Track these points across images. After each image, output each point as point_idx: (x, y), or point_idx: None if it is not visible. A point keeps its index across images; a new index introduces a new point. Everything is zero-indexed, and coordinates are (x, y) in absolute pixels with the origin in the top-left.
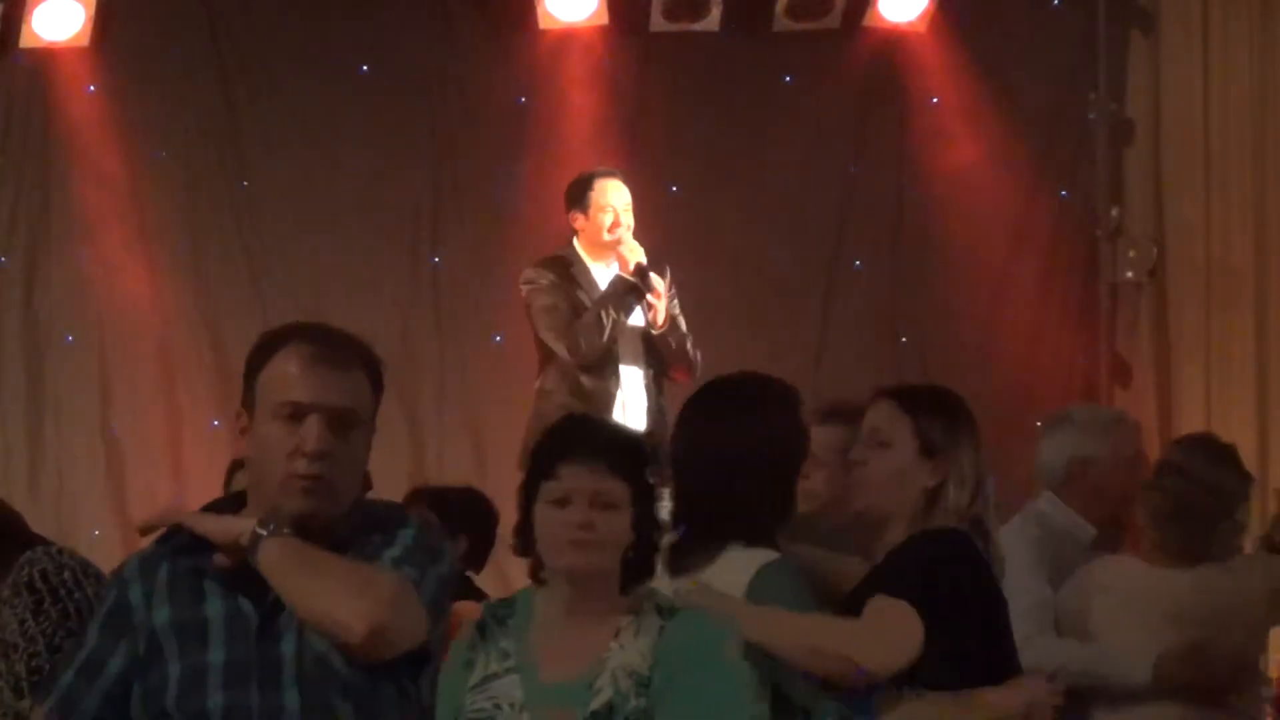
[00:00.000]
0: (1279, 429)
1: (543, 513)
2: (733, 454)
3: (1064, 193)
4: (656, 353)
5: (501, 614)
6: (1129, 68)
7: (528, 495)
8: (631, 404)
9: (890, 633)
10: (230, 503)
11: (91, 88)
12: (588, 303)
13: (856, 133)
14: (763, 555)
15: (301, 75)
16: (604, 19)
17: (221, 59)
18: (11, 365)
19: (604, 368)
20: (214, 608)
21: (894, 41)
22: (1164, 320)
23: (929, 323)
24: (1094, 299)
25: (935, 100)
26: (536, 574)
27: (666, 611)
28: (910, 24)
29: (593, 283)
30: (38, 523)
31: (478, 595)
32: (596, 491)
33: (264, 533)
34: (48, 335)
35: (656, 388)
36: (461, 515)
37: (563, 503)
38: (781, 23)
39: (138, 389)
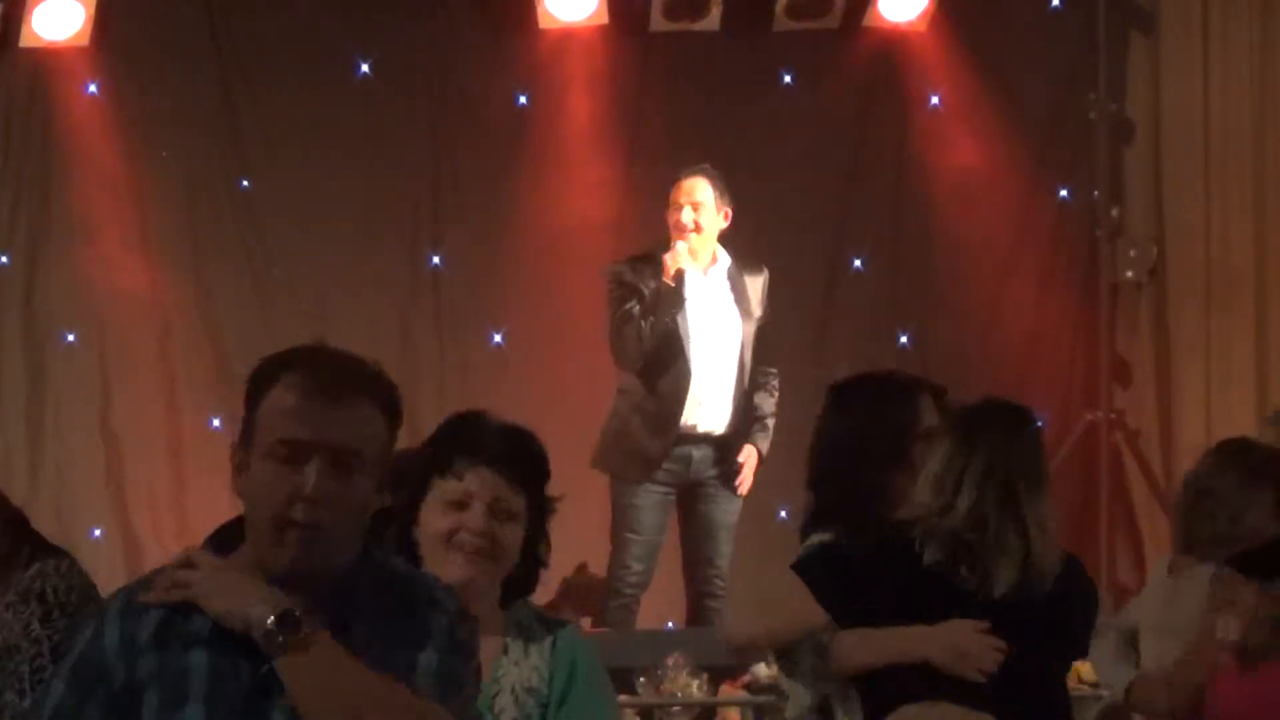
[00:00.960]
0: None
1: (434, 513)
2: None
3: (1064, 193)
4: (752, 357)
5: None
6: (1129, 68)
7: (412, 489)
8: (710, 403)
9: (763, 611)
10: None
11: (91, 87)
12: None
13: (856, 133)
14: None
15: (301, 75)
16: (604, 19)
17: (221, 59)
18: (11, 365)
19: (673, 370)
20: (199, 660)
21: (894, 41)
22: (1164, 320)
23: (929, 322)
24: (1094, 299)
25: (935, 100)
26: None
27: (552, 625)
28: (910, 24)
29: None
30: (38, 522)
31: None
32: (499, 499)
33: (281, 635)
34: (48, 335)
35: (744, 390)
36: None
37: (461, 505)
38: (781, 22)
39: (138, 389)
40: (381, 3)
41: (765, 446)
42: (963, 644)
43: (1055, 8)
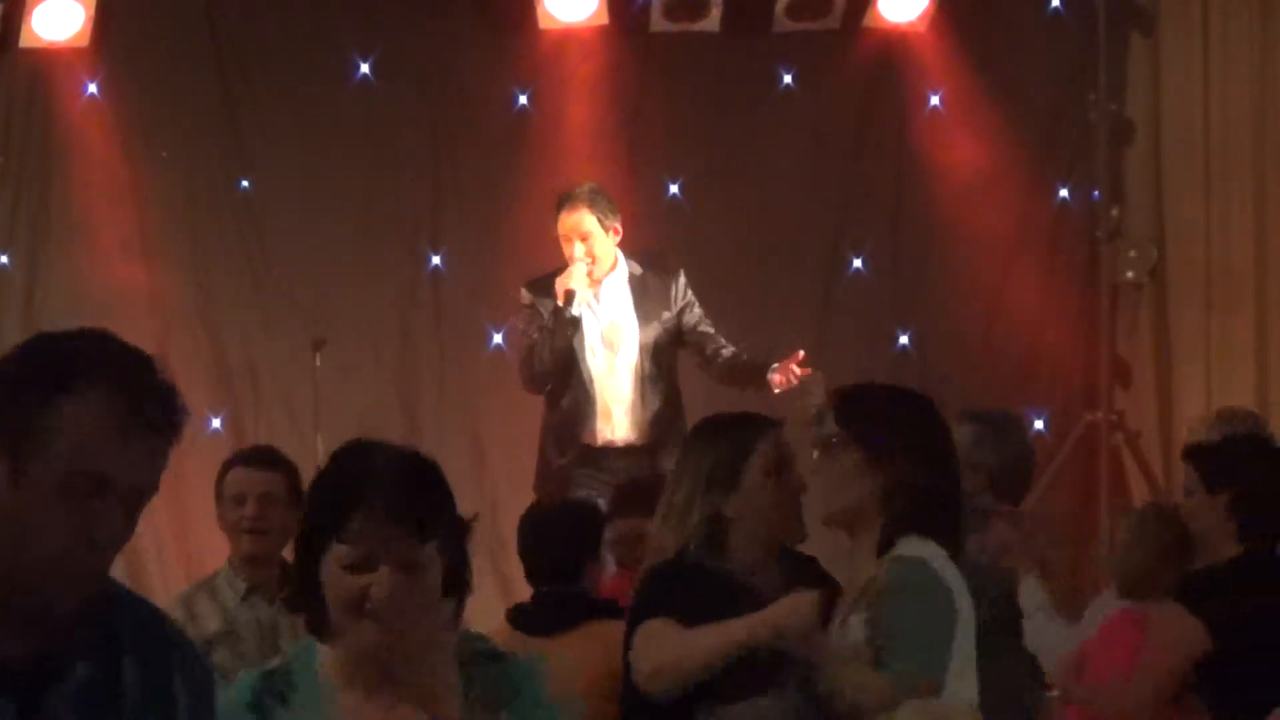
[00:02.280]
0: (1278, 429)
1: (336, 577)
2: None
3: (1064, 193)
4: (662, 358)
5: (280, 688)
6: (1129, 68)
7: (309, 543)
8: (614, 414)
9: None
10: None
11: (91, 88)
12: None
13: (856, 133)
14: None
15: (301, 75)
16: (604, 19)
17: (221, 59)
18: None
19: (571, 385)
20: None
21: (894, 41)
22: (1164, 321)
23: (929, 323)
24: (1094, 299)
25: (935, 100)
26: (321, 629)
27: (495, 657)
28: (910, 24)
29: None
30: None
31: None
32: (404, 553)
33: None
34: None
35: (650, 392)
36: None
37: (359, 569)
38: (781, 23)
39: None
40: (381, 3)
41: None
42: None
43: (1055, 8)
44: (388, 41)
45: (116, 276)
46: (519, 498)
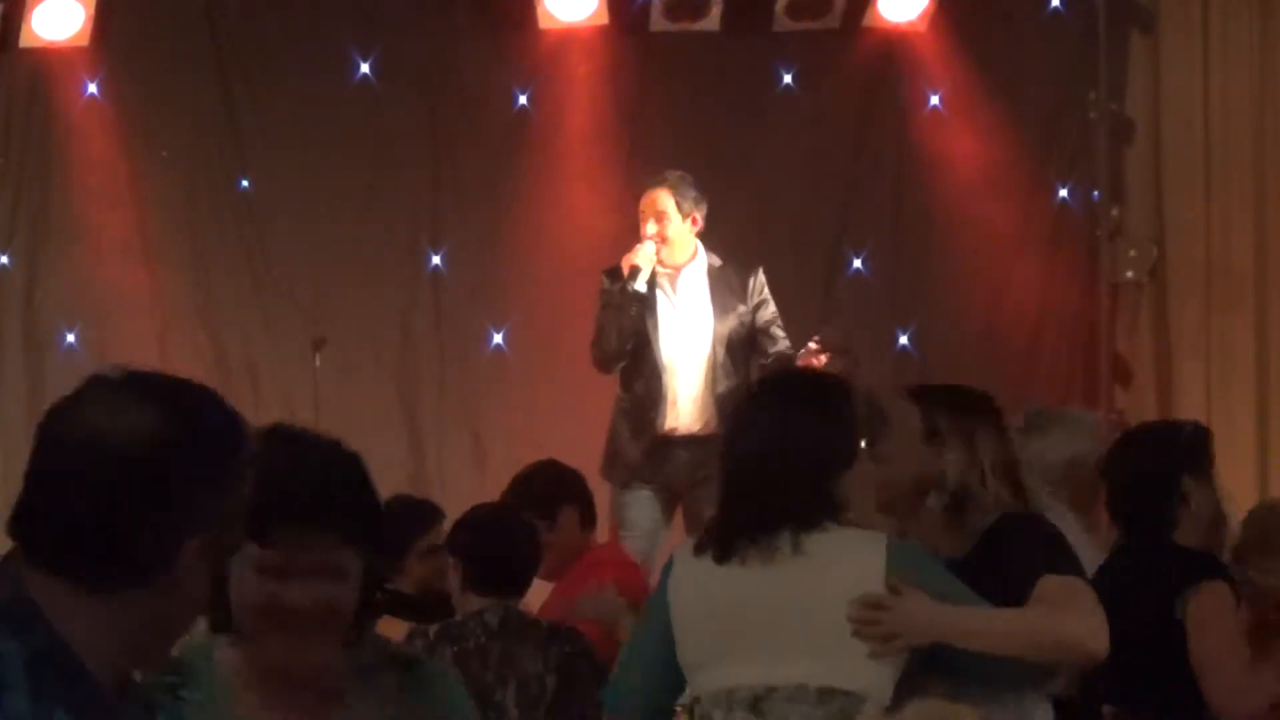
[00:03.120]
0: (1279, 429)
1: (248, 579)
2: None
3: (1064, 193)
4: (738, 353)
5: (174, 684)
6: (1129, 68)
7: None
8: (684, 404)
9: (1094, 609)
10: None
11: (91, 88)
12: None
13: (856, 133)
14: (878, 536)
15: (301, 75)
16: (604, 19)
17: (221, 59)
18: (11, 365)
19: (645, 370)
20: None
21: (894, 41)
22: (1164, 320)
23: (929, 322)
24: (1094, 299)
25: (935, 100)
26: (224, 625)
27: (402, 662)
28: (910, 24)
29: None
30: None
31: None
32: (323, 561)
33: None
34: (48, 335)
35: (722, 390)
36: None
37: (275, 574)
38: (781, 23)
39: None
40: (381, 3)
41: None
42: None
43: (1055, 8)
44: (388, 41)
45: (116, 276)
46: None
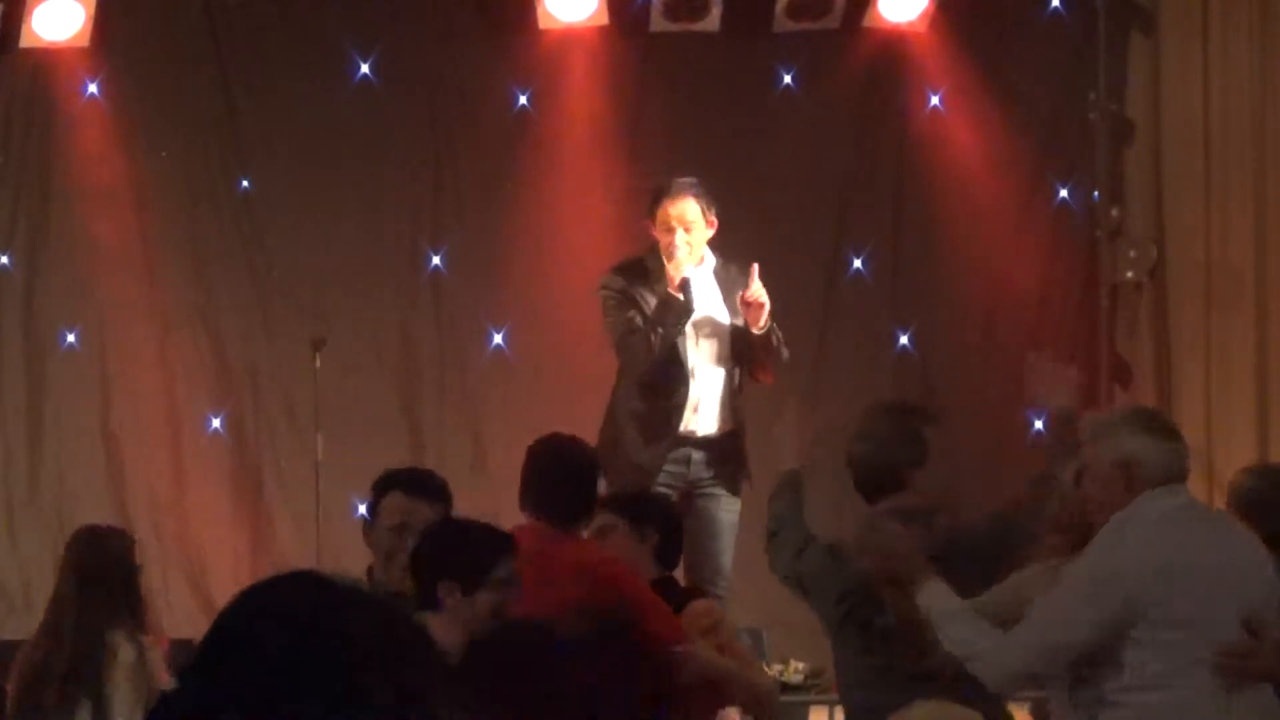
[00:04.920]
0: (1279, 429)
1: None
2: None
3: (1064, 193)
4: (745, 353)
5: None
6: (1129, 68)
7: None
8: (705, 407)
9: None
10: None
11: (91, 88)
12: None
13: (856, 133)
14: None
15: (301, 75)
16: (604, 19)
17: (221, 59)
18: (12, 365)
19: (671, 378)
20: None
21: (894, 41)
22: (1164, 320)
23: (929, 322)
24: (1094, 299)
25: (935, 100)
26: None
27: None
28: (910, 24)
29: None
30: (37, 523)
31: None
32: None
33: None
34: (48, 335)
35: (736, 388)
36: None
37: None
38: (781, 23)
39: (138, 389)
40: (381, 3)
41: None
42: None
43: (1055, 8)
44: (388, 41)
45: (116, 277)
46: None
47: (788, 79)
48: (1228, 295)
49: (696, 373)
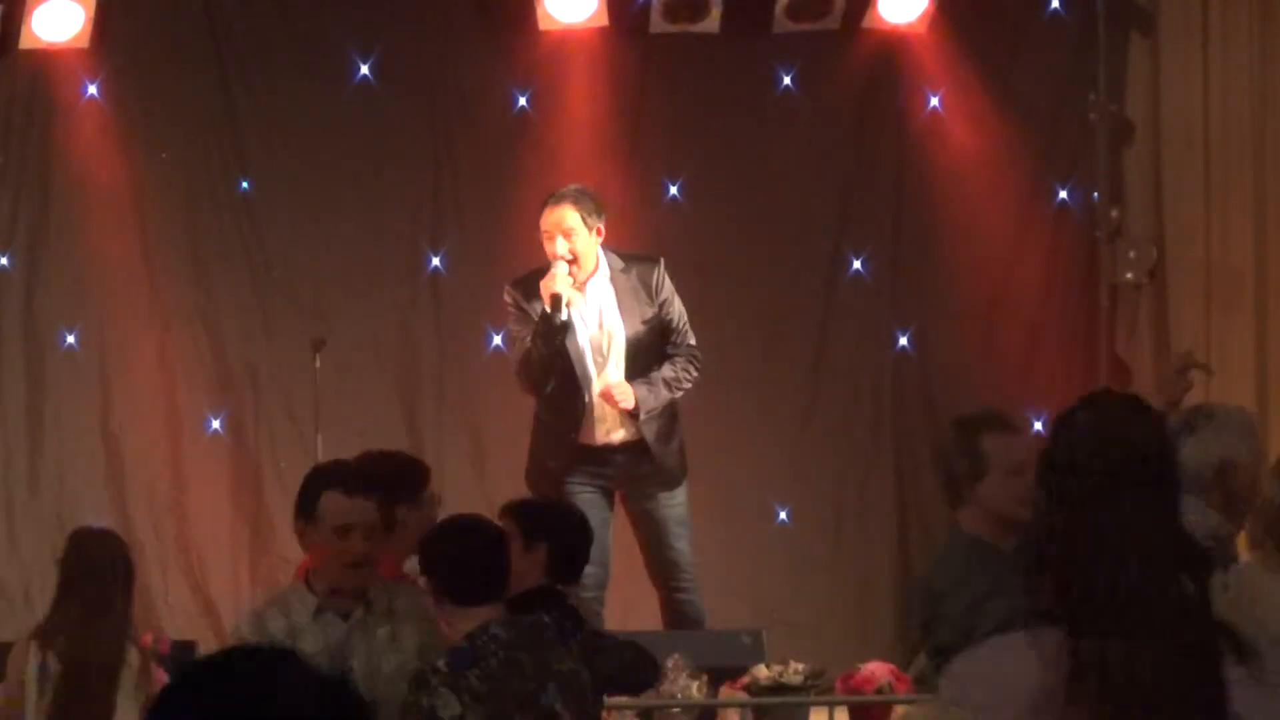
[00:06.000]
0: (1279, 430)
1: None
2: None
3: (1064, 193)
4: (649, 356)
5: None
6: (1129, 68)
7: None
8: (610, 415)
9: None
10: None
11: (91, 89)
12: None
13: (856, 134)
14: None
15: (301, 76)
16: (604, 20)
17: (221, 59)
18: (12, 365)
19: (568, 389)
20: None
21: (894, 42)
22: (1164, 320)
23: (929, 323)
24: (1094, 300)
25: (935, 101)
26: None
27: None
28: (910, 25)
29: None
30: (38, 523)
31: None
32: None
33: None
34: (48, 335)
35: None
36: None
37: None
38: (781, 24)
39: (138, 389)
40: (381, 3)
41: (642, 394)
42: None
43: (1055, 8)
44: (388, 41)
45: (116, 277)
46: (519, 497)
47: (788, 80)
48: (1228, 295)
49: (592, 382)
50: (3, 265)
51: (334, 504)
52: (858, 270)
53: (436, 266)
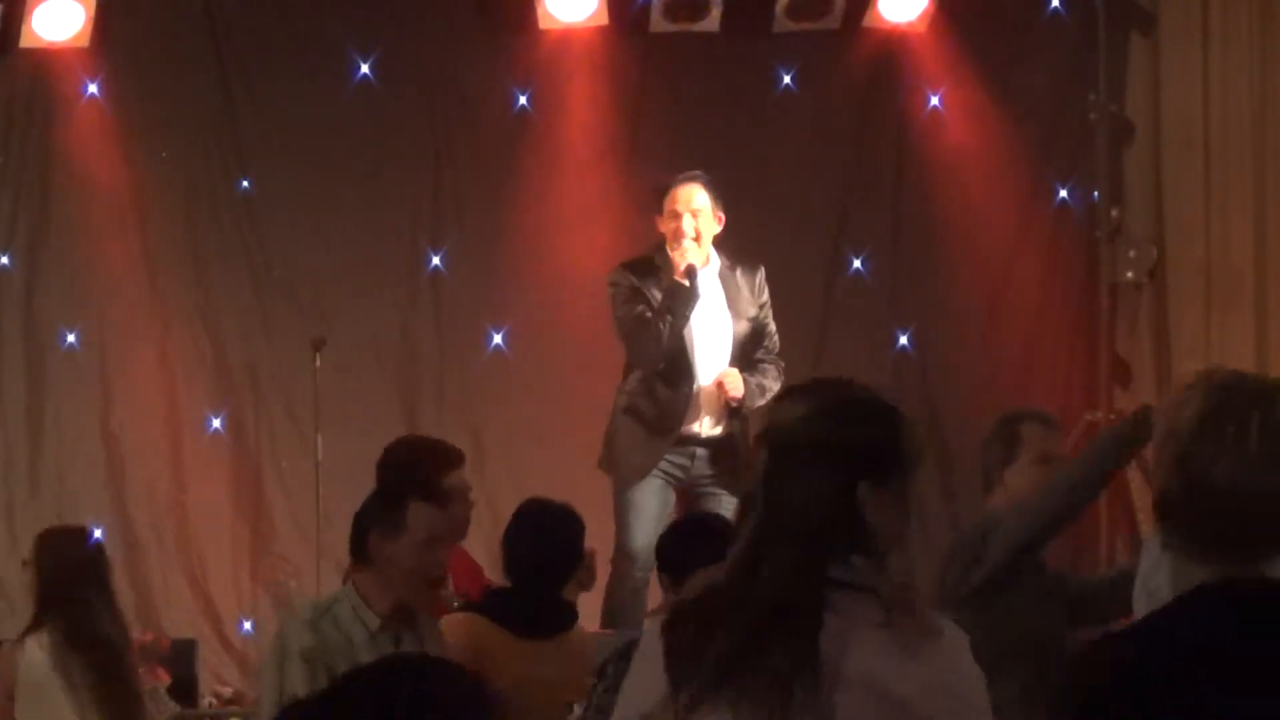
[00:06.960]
0: None
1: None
2: None
3: (1064, 193)
4: (746, 356)
5: None
6: (1129, 68)
7: None
8: (707, 407)
9: None
10: None
11: (91, 88)
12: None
13: (856, 133)
14: None
15: (301, 75)
16: (604, 19)
17: (221, 59)
18: (12, 365)
19: (677, 374)
20: None
21: (894, 41)
22: (1164, 321)
23: (929, 323)
24: (1094, 300)
25: (935, 100)
26: None
27: None
28: (910, 24)
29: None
30: (38, 523)
31: None
32: None
33: None
34: (48, 335)
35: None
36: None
37: None
38: (781, 23)
39: (138, 389)
40: (381, 3)
41: (750, 389)
42: None
43: (1055, 8)
44: (388, 41)
45: (116, 277)
46: (519, 497)
47: (788, 79)
48: (1228, 295)
49: (699, 372)
50: (3, 265)
51: (424, 515)
52: (858, 270)
53: (436, 266)
